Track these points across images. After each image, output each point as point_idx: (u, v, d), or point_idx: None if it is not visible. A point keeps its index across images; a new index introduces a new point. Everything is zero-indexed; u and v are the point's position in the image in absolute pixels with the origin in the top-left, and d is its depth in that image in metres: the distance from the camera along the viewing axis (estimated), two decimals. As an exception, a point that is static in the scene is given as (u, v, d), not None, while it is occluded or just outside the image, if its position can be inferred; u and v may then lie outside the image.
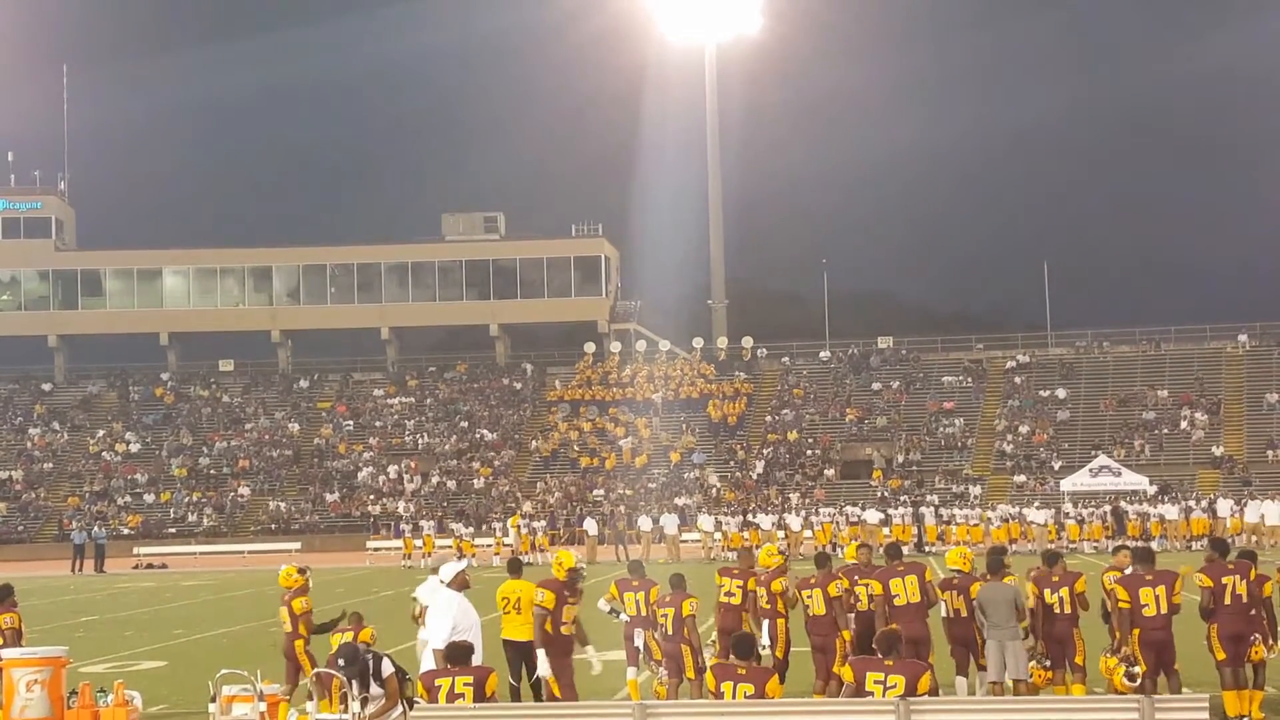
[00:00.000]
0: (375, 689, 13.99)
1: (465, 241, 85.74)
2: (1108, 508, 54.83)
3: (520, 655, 16.39)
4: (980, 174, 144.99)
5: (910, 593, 15.94)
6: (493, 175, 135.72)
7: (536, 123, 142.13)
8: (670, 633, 16.05)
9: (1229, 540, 28.15)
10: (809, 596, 16.49)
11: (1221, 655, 15.19)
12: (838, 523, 55.23)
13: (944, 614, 16.23)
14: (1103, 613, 16.14)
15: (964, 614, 15.96)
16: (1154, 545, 42.14)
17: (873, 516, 55.05)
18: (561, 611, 15.49)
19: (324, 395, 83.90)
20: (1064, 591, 15.71)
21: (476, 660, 13.65)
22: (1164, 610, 15.01)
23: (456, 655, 13.21)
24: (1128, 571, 15.61)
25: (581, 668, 21.56)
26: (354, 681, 13.96)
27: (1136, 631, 15.01)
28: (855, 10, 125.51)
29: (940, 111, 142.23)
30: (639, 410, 77.77)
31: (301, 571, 17.69)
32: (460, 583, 15.32)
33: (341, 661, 14.07)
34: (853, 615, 16.46)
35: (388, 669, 14.16)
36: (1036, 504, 57.52)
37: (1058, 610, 15.70)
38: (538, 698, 16.13)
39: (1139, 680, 14.73)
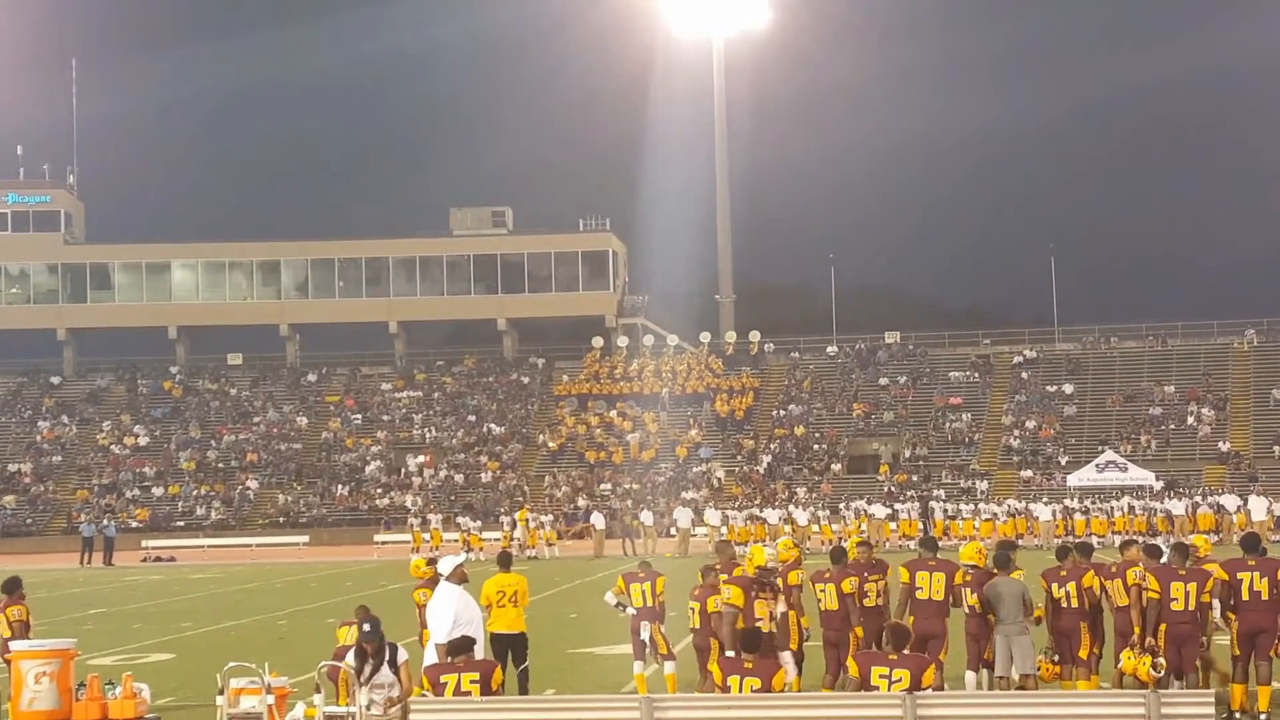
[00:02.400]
0: (388, 675, 13.90)
1: (473, 236, 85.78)
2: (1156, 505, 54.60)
3: (506, 647, 16.45)
4: (987, 168, 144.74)
5: (935, 589, 15.91)
6: (500, 170, 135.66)
7: (544, 117, 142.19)
8: (698, 626, 16.01)
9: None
10: (821, 591, 16.49)
11: (1236, 651, 15.23)
12: (845, 518, 55.14)
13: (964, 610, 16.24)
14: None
15: (978, 609, 15.94)
16: (1159, 541, 42.09)
17: (880, 511, 55.04)
18: (753, 608, 14.85)
19: (332, 389, 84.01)
20: (1071, 586, 15.72)
21: (479, 654, 13.69)
22: (1191, 606, 15.05)
23: (461, 648, 13.25)
24: (1162, 561, 15.64)
25: (588, 662, 21.63)
26: (370, 662, 13.75)
27: (1164, 626, 15.04)
28: (862, 4, 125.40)
29: (948, 105, 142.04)
30: (646, 405, 77.80)
31: (431, 563, 17.82)
32: (459, 576, 15.32)
33: (367, 627, 13.95)
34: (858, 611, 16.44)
35: (403, 657, 14.09)
36: (1045, 499, 57.50)
37: (1065, 604, 15.72)
38: (523, 691, 16.16)
39: (1164, 672, 14.77)
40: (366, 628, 13.97)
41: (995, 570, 16.00)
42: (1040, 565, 16.72)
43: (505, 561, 17.54)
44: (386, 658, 13.85)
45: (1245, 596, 15.18)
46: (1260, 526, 47.95)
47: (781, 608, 15.66)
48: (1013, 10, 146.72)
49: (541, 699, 14.97)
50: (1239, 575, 15.25)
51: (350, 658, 14.04)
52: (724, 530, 53.33)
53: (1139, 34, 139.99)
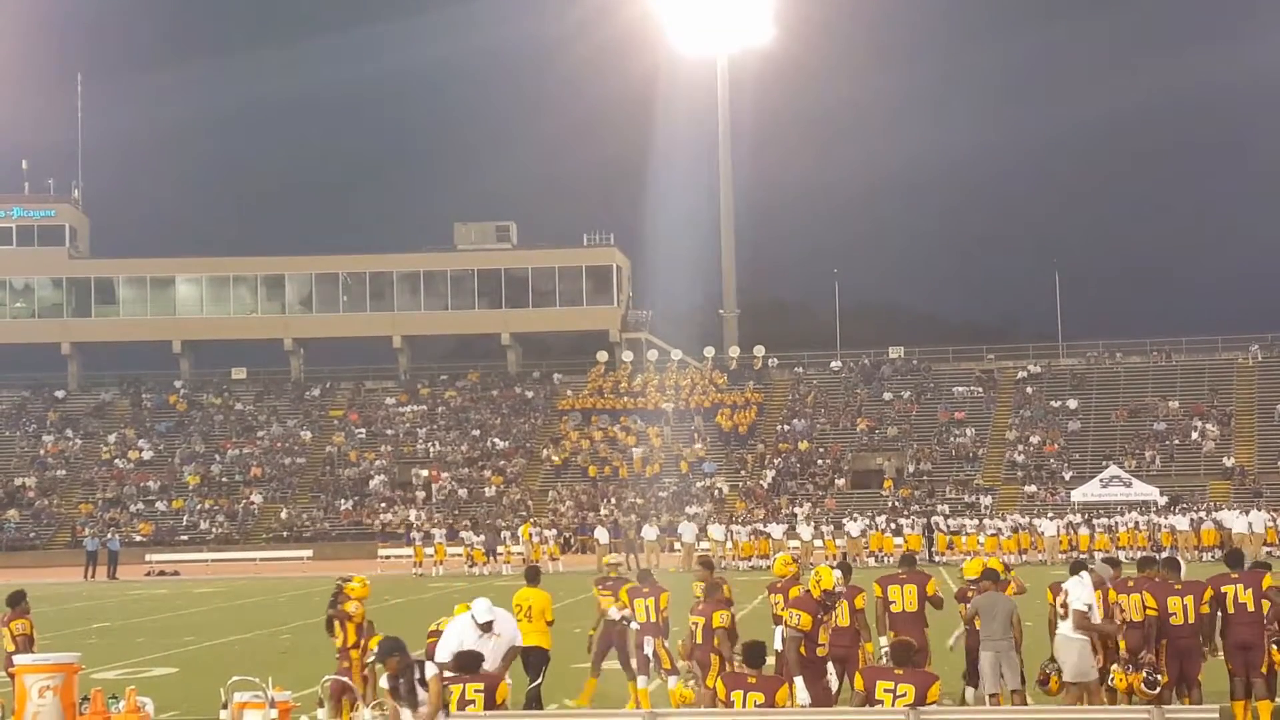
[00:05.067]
0: (421, 693, 13.52)
1: (477, 251, 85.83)
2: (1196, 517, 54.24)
3: (525, 660, 16.48)
4: (992, 184, 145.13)
5: (908, 601, 16.00)
6: (505, 185, 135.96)
7: (549, 133, 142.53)
8: (700, 641, 15.96)
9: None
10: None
11: (1230, 665, 15.22)
12: (849, 532, 54.95)
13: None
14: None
15: (978, 625, 15.93)
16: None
17: (854, 528, 54.74)
18: (819, 633, 14.55)
19: (336, 403, 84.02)
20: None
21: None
22: (1191, 619, 15.07)
23: (466, 664, 13.18)
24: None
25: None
26: (401, 680, 13.29)
27: (1164, 642, 15.02)
28: (867, 22, 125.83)
29: (952, 122, 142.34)
30: (650, 419, 77.77)
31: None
32: (478, 628, 15.02)
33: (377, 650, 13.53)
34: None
35: (430, 671, 13.65)
36: (1049, 514, 57.43)
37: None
38: (528, 707, 16.12)
39: (1159, 689, 14.74)
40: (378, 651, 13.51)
41: (986, 583, 16.01)
42: (1046, 580, 16.70)
43: (530, 576, 17.61)
44: (417, 676, 13.39)
45: (1231, 610, 15.24)
46: (1241, 540, 47.39)
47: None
48: (1016, 30, 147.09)
49: (546, 714, 14.97)
50: (1223, 589, 15.32)
51: (383, 681, 13.62)
52: (729, 545, 53.39)
53: (1140, 52, 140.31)
